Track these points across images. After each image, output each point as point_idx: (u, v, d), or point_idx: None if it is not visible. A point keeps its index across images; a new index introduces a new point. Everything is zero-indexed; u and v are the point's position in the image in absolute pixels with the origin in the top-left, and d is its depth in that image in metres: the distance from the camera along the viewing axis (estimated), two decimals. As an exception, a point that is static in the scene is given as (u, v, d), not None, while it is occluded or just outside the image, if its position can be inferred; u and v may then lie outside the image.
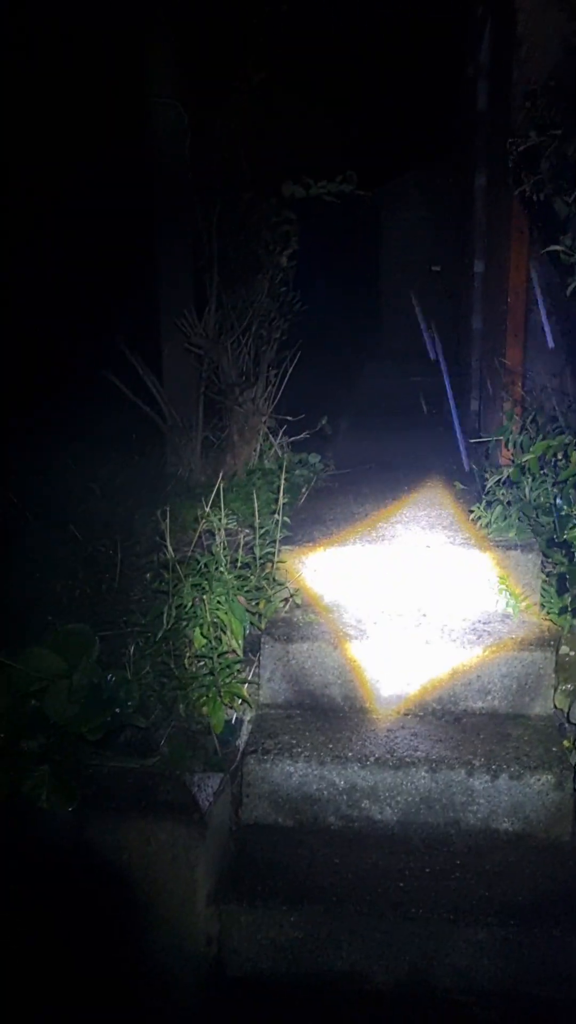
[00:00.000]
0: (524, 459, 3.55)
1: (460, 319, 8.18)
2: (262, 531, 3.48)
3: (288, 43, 4.91)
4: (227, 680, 3.06)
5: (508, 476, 3.69)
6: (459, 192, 8.34)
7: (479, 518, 3.70)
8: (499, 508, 3.64)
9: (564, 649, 3.13)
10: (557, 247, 2.72)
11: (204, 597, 3.15)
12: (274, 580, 3.40)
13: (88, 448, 4.87)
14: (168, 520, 3.47)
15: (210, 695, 2.99)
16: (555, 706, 3.06)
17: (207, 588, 3.17)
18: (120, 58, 4.47)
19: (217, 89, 4.44)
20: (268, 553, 3.42)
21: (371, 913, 2.44)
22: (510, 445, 4.07)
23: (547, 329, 4.52)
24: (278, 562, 3.44)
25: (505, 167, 4.50)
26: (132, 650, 3.05)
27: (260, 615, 3.31)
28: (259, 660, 3.21)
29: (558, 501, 3.37)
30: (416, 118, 15.06)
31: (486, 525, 3.63)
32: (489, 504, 3.72)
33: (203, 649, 3.09)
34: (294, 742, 2.92)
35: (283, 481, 3.84)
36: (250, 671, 3.22)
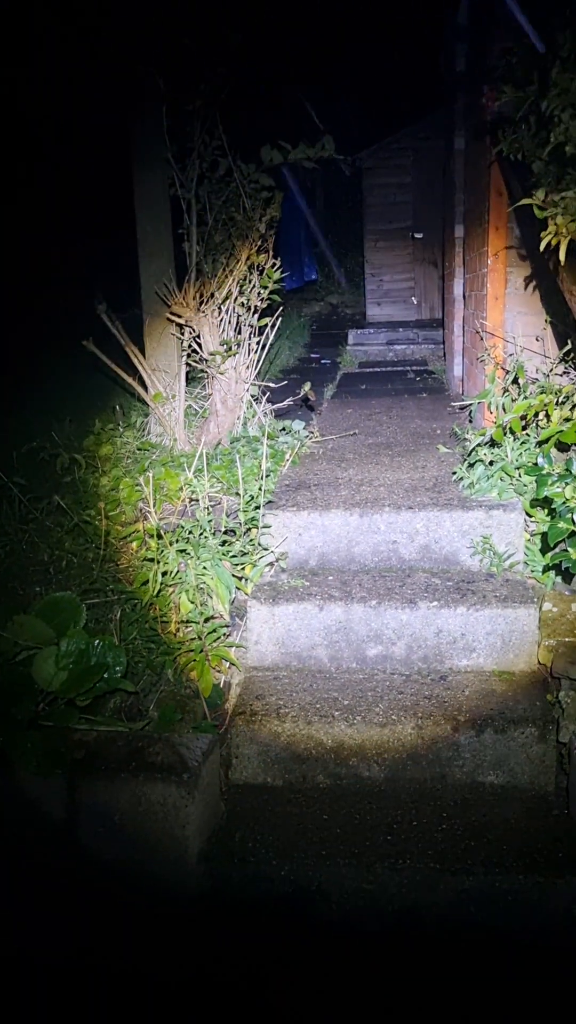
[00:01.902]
0: (506, 419, 3.57)
1: (443, 286, 8.16)
2: (247, 497, 3.50)
3: (266, 6, 4.85)
4: (214, 644, 3.09)
5: (491, 437, 3.71)
6: (440, 156, 8.29)
7: (461, 479, 3.73)
8: (481, 468, 3.67)
9: (547, 606, 3.16)
10: (529, 200, 2.71)
11: (189, 563, 3.17)
12: (259, 545, 3.43)
13: (73, 419, 4.88)
14: (152, 488, 3.48)
15: (198, 659, 3.02)
16: (539, 662, 3.10)
17: (192, 554, 3.20)
18: (92, 24, 4.42)
19: (193, 53, 4.39)
20: (252, 519, 3.44)
21: (360, 865, 2.48)
22: (492, 407, 4.09)
23: (527, 291, 4.53)
24: (263, 527, 3.46)
25: (483, 128, 4.48)
26: (119, 616, 3.07)
27: (246, 579, 3.34)
28: (246, 624, 3.24)
29: (540, 460, 3.40)
30: (397, 82, 14.95)
31: (469, 486, 3.65)
32: (471, 465, 3.74)
33: (190, 614, 3.12)
34: (281, 703, 2.95)
35: (266, 448, 3.86)
36: (237, 635, 3.24)
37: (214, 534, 3.33)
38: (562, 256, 2.74)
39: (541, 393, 3.65)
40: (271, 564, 3.48)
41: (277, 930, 2.52)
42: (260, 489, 3.57)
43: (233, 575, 3.27)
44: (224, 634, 3.18)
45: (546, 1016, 2.22)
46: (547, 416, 3.62)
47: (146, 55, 4.39)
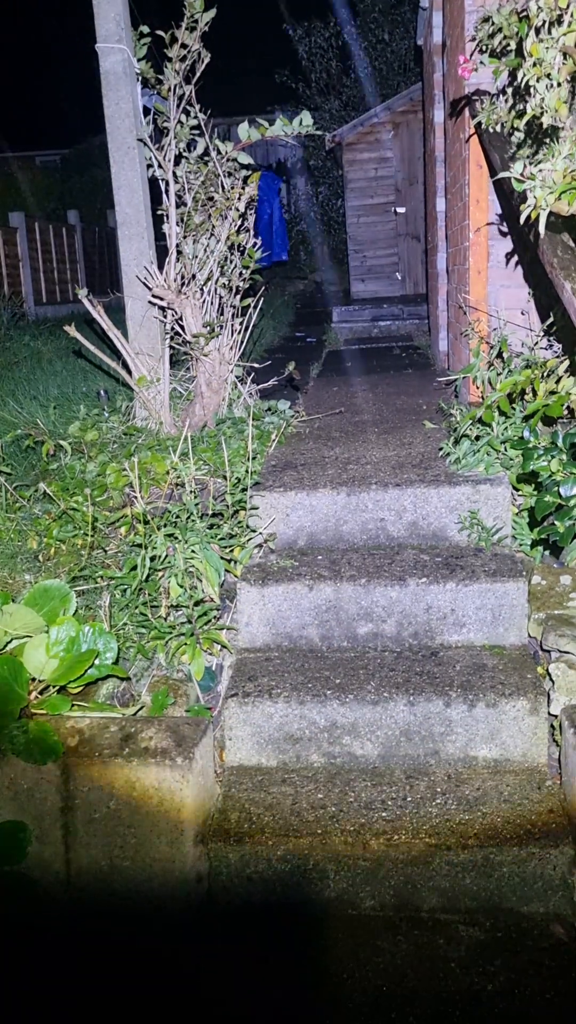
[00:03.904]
0: (493, 398, 3.55)
1: (426, 260, 8.12)
2: (233, 479, 3.49)
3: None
4: (205, 627, 3.10)
5: (480, 416, 3.69)
6: (420, 131, 8.23)
7: (448, 455, 3.72)
8: (467, 443, 3.66)
9: (536, 579, 3.17)
10: (508, 173, 2.68)
11: (177, 547, 3.16)
12: (247, 527, 3.42)
13: (57, 405, 4.85)
14: (139, 473, 3.47)
15: (189, 643, 3.02)
16: (529, 635, 3.12)
17: (180, 538, 3.19)
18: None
19: (165, 31, 4.33)
20: (240, 500, 3.43)
21: (356, 842, 2.50)
22: (478, 382, 4.08)
23: (509, 264, 4.51)
24: (250, 509, 3.45)
25: (462, 100, 4.44)
26: (108, 602, 3.07)
27: (235, 562, 3.33)
28: (236, 606, 3.24)
29: (526, 434, 3.40)
30: (375, 56, 14.80)
31: (455, 461, 3.65)
32: (457, 441, 3.73)
33: (179, 598, 3.11)
34: (274, 684, 2.96)
35: (252, 429, 3.85)
36: (228, 617, 3.25)
37: (202, 517, 3.32)
38: (541, 229, 2.72)
39: (526, 367, 3.64)
40: (260, 545, 3.48)
41: (274, 908, 2.54)
42: (247, 470, 3.56)
43: (222, 558, 3.27)
44: (215, 617, 3.18)
45: None
46: (533, 391, 3.61)
47: (118, 33, 4.33)
